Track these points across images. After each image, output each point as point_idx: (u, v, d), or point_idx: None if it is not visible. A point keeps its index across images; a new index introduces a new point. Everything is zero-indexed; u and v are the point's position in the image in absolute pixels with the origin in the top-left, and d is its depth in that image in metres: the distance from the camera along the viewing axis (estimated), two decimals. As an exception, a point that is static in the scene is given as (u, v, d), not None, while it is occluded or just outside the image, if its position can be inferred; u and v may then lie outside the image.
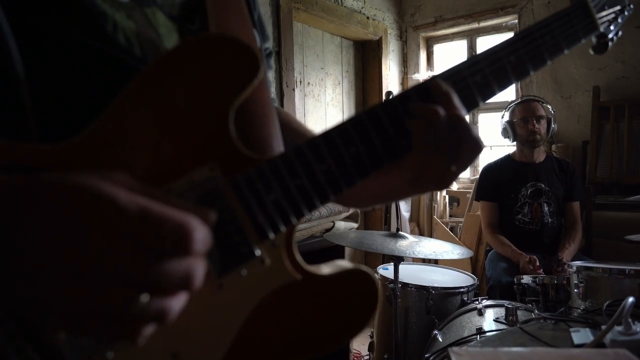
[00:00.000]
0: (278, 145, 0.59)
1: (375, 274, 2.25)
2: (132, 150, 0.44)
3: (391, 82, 3.83)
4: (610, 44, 0.69)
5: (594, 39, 0.68)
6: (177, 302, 0.37)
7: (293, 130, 0.73)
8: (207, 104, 0.47)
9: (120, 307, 0.34)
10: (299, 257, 0.50)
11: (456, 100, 0.53)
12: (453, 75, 0.55)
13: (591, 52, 0.70)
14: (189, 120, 0.46)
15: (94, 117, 0.44)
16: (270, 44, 0.77)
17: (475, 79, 0.56)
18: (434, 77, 0.55)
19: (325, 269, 0.53)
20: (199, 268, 0.37)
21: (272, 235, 0.47)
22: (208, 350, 0.46)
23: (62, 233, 0.33)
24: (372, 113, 0.52)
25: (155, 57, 0.52)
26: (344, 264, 0.54)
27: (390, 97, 0.54)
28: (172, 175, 0.45)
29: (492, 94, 0.58)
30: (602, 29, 0.65)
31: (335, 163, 0.50)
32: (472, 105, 0.56)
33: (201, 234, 0.36)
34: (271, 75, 0.76)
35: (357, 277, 0.52)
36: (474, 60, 0.56)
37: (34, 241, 0.33)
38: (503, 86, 0.58)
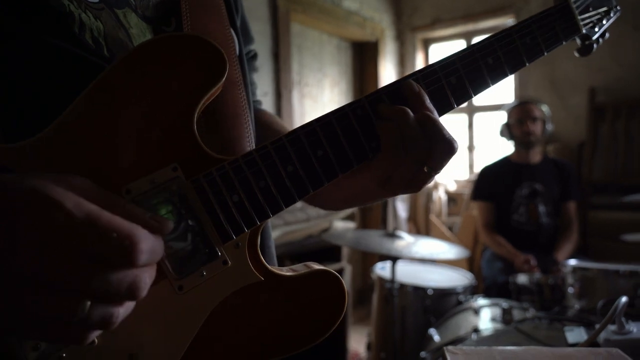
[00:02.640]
0: (250, 146, 0.58)
1: (372, 274, 2.26)
2: (93, 149, 0.43)
3: (388, 82, 3.84)
4: (595, 46, 0.67)
5: (578, 41, 0.67)
6: (123, 310, 0.36)
7: (274, 132, 0.71)
8: (171, 103, 0.46)
9: (61, 313, 0.33)
10: (263, 258, 0.50)
11: (428, 102, 0.52)
12: (427, 75, 0.54)
13: (576, 54, 0.69)
14: (152, 120, 0.45)
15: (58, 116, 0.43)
16: (254, 46, 0.76)
17: (450, 81, 0.54)
18: (406, 78, 0.54)
19: (291, 270, 0.52)
20: (145, 279, 0.36)
21: (234, 237, 0.47)
22: (167, 350, 0.46)
23: (4, 234, 0.32)
24: (340, 114, 0.51)
25: None
26: (313, 265, 0.53)
27: (361, 97, 0.53)
28: (134, 175, 0.44)
29: (468, 96, 0.56)
30: (584, 30, 0.64)
31: (301, 165, 0.48)
32: (447, 107, 0.55)
33: (148, 246, 0.35)
34: (261, 77, 0.76)
35: (323, 278, 0.51)
36: (450, 60, 0.55)
37: None
38: (479, 89, 0.56)
